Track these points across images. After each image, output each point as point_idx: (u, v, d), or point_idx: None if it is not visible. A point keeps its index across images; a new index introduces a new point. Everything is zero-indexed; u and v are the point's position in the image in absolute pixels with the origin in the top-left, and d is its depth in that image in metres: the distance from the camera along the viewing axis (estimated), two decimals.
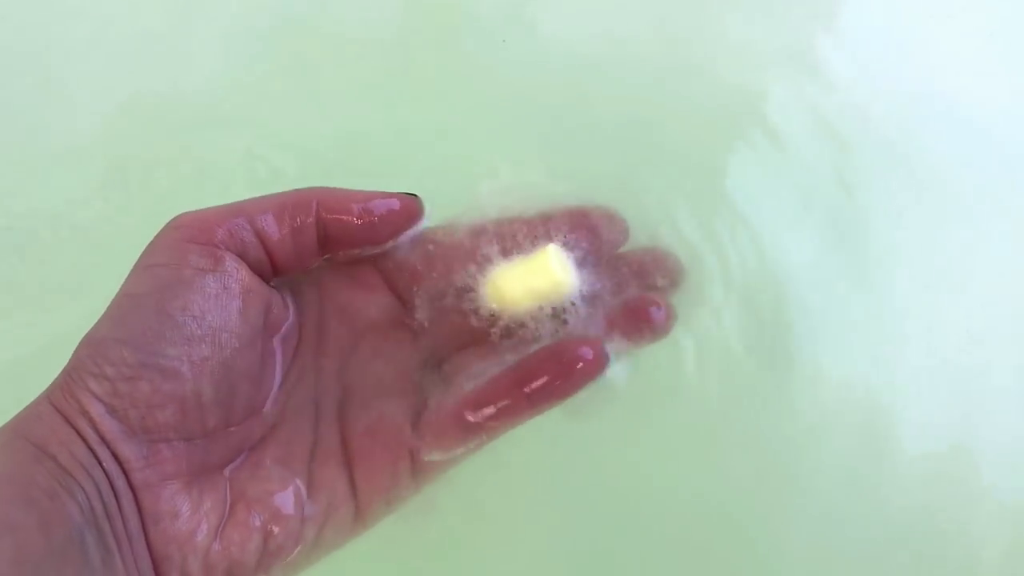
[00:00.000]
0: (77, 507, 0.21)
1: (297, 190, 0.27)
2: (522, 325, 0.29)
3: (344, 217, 0.27)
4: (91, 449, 0.22)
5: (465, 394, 0.28)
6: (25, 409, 0.23)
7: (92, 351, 0.23)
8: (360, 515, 0.27)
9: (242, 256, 0.25)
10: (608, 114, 0.42)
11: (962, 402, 0.37)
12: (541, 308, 0.29)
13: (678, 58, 0.43)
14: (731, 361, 0.37)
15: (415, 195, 0.29)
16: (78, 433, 0.22)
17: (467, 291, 0.30)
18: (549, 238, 0.30)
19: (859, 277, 0.39)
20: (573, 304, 0.29)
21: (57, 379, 0.23)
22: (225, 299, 0.24)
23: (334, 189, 0.27)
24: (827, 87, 0.42)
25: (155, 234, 0.25)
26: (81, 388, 0.22)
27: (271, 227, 0.26)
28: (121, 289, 0.24)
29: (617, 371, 0.28)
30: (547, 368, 0.28)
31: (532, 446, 0.32)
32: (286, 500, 0.26)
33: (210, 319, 0.24)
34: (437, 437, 0.28)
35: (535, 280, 0.29)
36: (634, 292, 0.30)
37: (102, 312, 0.24)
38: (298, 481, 0.26)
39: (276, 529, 0.25)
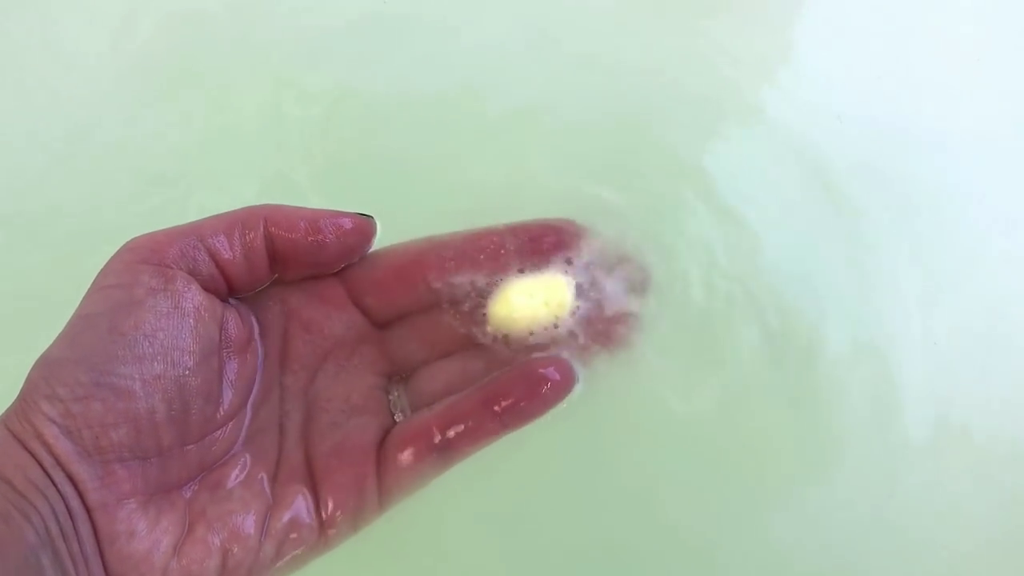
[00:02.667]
0: (32, 530, 0.22)
1: (249, 207, 0.27)
2: (507, 341, 0.29)
3: (291, 235, 0.27)
4: (46, 471, 0.22)
5: (432, 413, 0.28)
6: None
7: (45, 372, 0.23)
8: (324, 535, 0.27)
9: (194, 275, 0.25)
10: (599, 116, 0.42)
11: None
12: (532, 331, 0.29)
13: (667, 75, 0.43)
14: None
15: (369, 216, 0.28)
16: (32, 456, 0.22)
17: (447, 304, 0.30)
18: (525, 254, 0.30)
19: (850, 296, 0.38)
20: (556, 327, 0.29)
21: (12, 403, 0.23)
22: (177, 317, 0.24)
23: (284, 207, 0.27)
24: (810, 109, 0.42)
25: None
26: (35, 411, 0.23)
27: (222, 245, 0.26)
28: (75, 312, 0.24)
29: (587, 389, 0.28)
30: (515, 388, 0.28)
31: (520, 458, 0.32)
32: (246, 520, 0.26)
33: (162, 337, 0.24)
34: (404, 457, 0.28)
35: (542, 306, 0.29)
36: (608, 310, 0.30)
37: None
38: (260, 501, 0.26)
39: (236, 548, 0.25)
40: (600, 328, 0.29)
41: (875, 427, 0.36)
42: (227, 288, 0.27)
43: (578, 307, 0.29)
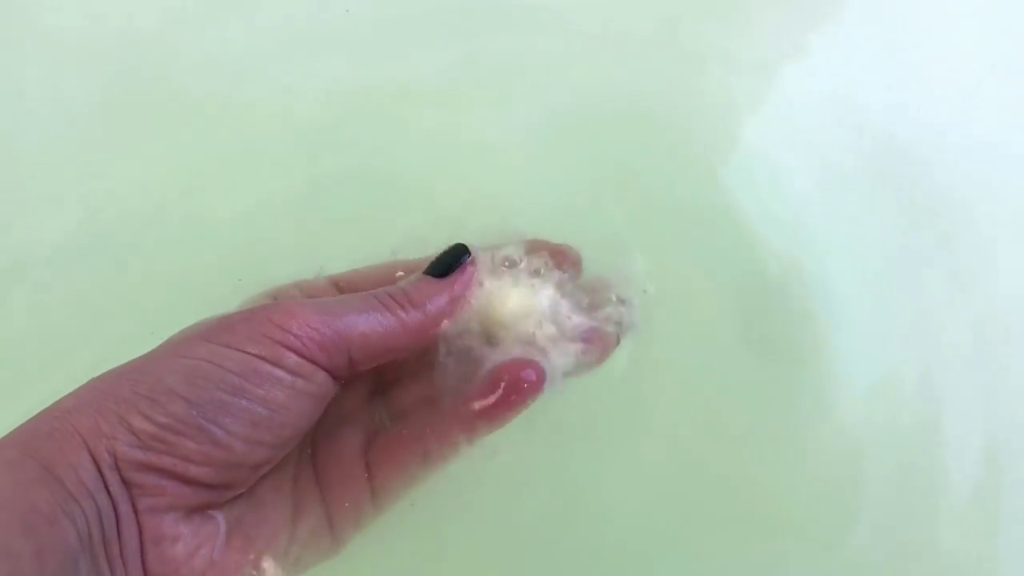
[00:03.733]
0: (75, 532, 0.21)
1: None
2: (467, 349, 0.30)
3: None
4: (101, 472, 0.22)
5: (410, 422, 0.30)
6: (35, 422, 0.23)
7: (150, 392, 0.23)
8: (335, 537, 0.29)
9: (332, 373, 0.26)
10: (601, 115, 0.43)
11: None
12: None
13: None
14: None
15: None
16: (91, 455, 0.22)
17: None
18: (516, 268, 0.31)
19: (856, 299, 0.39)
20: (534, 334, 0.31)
21: (84, 396, 0.23)
22: (306, 403, 0.26)
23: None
24: (824, 117, 0.42)
25: (244, 306, 0.26)
26: (116, 419, 0.23)
27: (365, 362, 0.27)
28: (201, 349, 0.24)
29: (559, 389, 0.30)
30: (486, 391, 0.29)
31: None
32: (277, 526, 0.27)
33: (284, 415, 0.25)
34: (389, 463, 0.29)
35: (515, 316, 0.30)
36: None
37: None
38: (287, 507, 0.28)
39: (267, 552, 0.26)
40: (577, 349, 0.30)
41: (878, 429, 0.37)
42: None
43: (548, 330, 0.30)
